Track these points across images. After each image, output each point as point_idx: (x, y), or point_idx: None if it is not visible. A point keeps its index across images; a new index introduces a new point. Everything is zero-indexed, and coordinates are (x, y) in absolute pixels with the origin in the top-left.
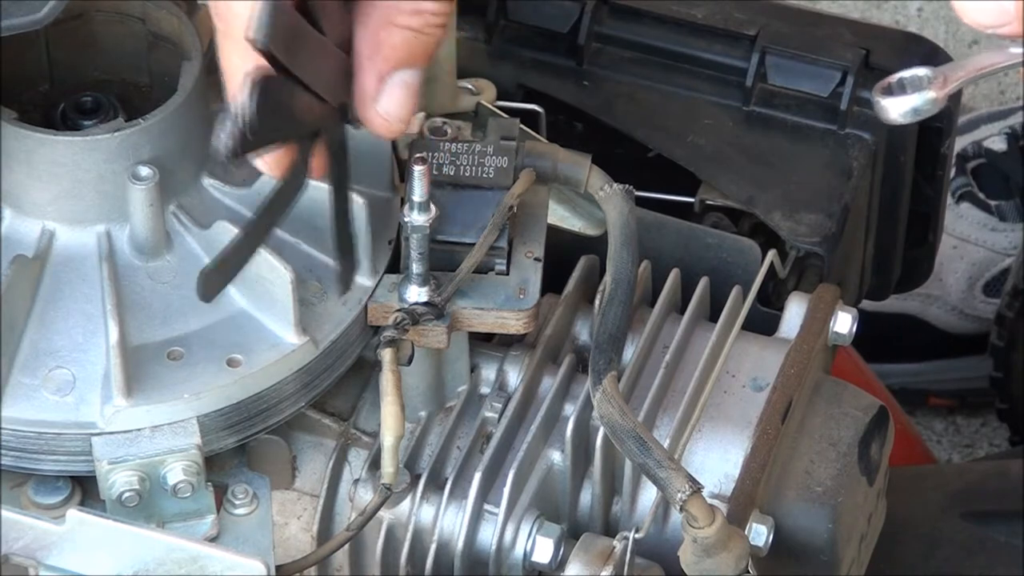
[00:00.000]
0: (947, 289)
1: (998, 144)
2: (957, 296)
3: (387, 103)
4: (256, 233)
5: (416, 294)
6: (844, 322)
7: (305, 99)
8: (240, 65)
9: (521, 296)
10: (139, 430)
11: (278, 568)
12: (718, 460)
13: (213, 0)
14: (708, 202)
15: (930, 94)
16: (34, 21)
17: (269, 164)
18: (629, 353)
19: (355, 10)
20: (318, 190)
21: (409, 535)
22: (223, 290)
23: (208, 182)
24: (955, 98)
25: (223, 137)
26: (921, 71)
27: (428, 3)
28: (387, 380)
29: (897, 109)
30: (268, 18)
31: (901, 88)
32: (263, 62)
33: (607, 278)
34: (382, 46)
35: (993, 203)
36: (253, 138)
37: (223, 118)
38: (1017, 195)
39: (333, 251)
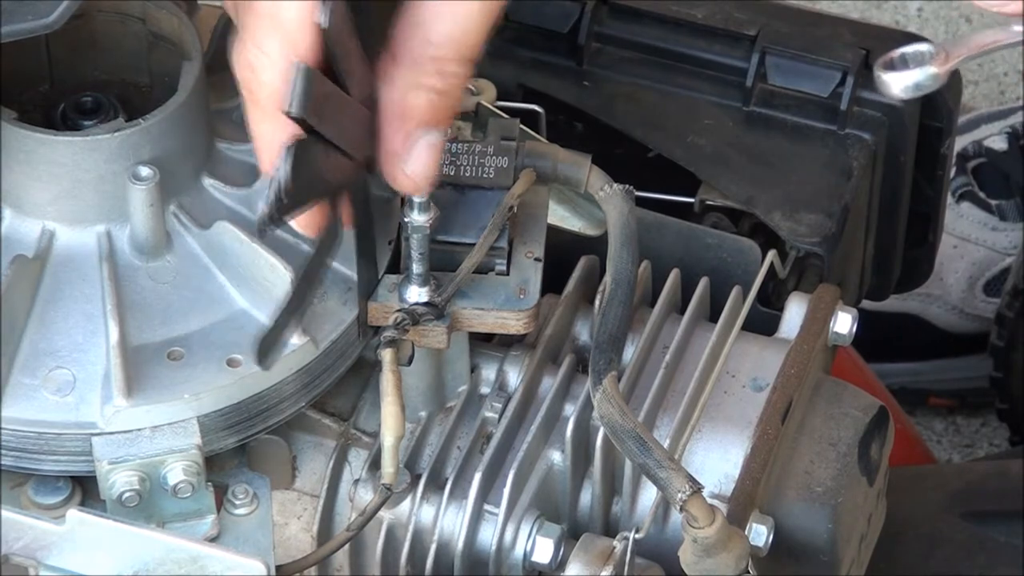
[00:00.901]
0: (947, 289)
1: (998, 143)
2: (957, 295)
3: (414, 164)
4: (301, 295)
5: (416, 294)
6: (844, 322)
7: (334, 158)
8: (272, 133)
9: (521, 296)
10: (139, 430)
11: (278, 568)
12: (718, 460)
13: (237, 62)
14: (708, 202)
15: (932, 69)
16: (44, 25)
17: (305, 224)
18: (629, 353)
19: (379, 69)
20: None
21: (409, 535)
22: (278, 359)
23: (208, 182)
24: (956, 98)
25: (264, 208)
26: (923, 46)
27: (451, 64)
28: (387, 380)
29: (899, 84)
30: (304, 88)
31: (903, 63)
32: (296, 129)
33: (607, 278)
34: (409, 107)
35: (993, 202)
36: (289, 202)
37: (264, 190)
38: (1017, 194)
39: (358, 294)
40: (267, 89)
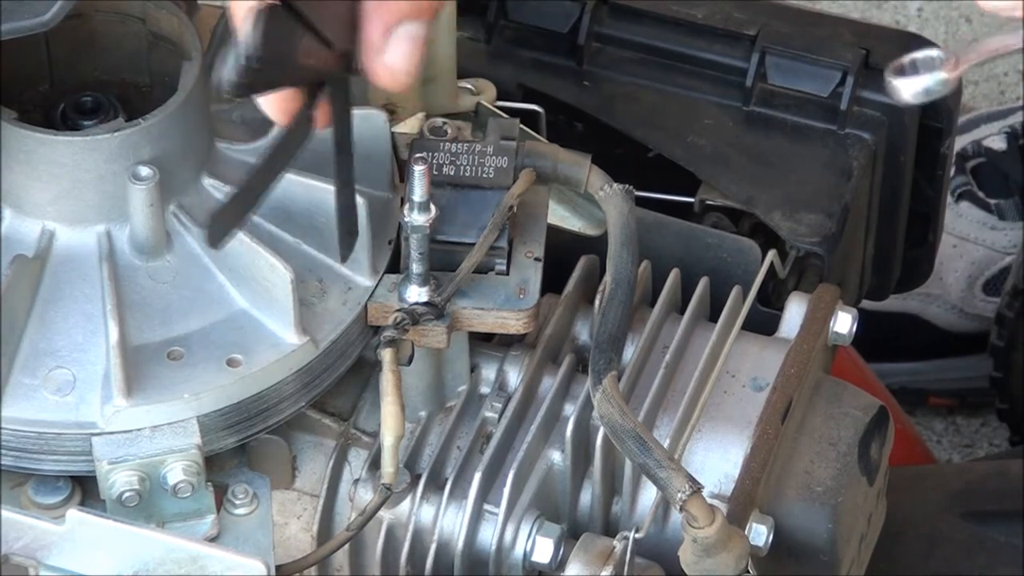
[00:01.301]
0: (947, 288)
1: (998, 143)
2: (957, 295)
3: (392, 55)
4: (261, 179)
5: (416, 294)
6: (844, 322)
7: (310, 41)
8: (247, 2)
9: (521, 296)
10: (139, 430)
11: (278, 568)
12: (718, 460)
13: None
14: (708, 202)
15: (942, 75)
16: (40, 23)
17: (274, 108)
18: (629, 353)
19: None
20: (318, 190)
21: (409, 535)
22: (231, 236)
23: (208, 182)
24: (956, 98)
25: (225, 69)
26: (933, 52)
27: None
28: (387, 380)
29: (910, 89)
30: None
31: (914, 68)
32: None
33: (607, 278)
34: None
35: (993, 202)
36: (256, 74)
37: (226, 52)
38: (1017, 194)
39: (336, 212)
40: None
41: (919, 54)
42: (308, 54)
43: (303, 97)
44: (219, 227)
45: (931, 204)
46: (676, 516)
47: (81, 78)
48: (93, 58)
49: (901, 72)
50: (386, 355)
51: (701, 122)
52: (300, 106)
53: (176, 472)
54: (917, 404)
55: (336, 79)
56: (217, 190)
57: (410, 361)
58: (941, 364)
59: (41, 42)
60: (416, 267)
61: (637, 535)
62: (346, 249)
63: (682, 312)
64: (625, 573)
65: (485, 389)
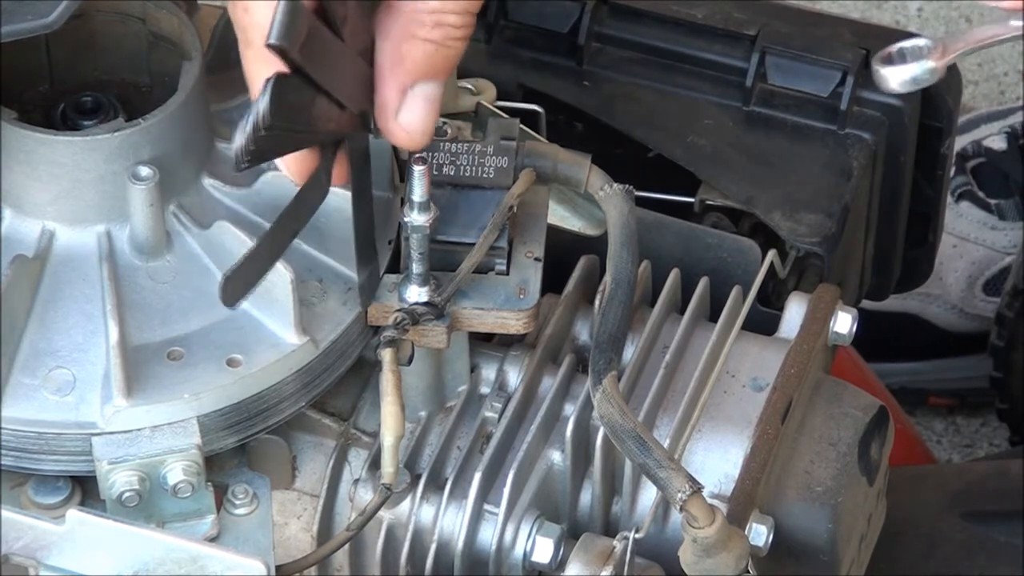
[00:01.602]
0: (947, 288)
1: (998, 143)
2: (957, 295)
3: (408, 116)
4: (277, 239)
5: (416, 294)
6: (844, 322)
7: (324, 105)
8: (261, 71)
9: (521, 296)
10: (139, 430)
11: (278, 568)
12: (718, 460)
13: (233, 5)
14: (708, 202)
15: (929, 63)
16: (44, 25)
17: (290, 168)
18: (629, 353)
19: (376, 19)
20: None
21: (409, 535)
22: (245, 296)
23: (208, 182)
24: (956, 98)
25: (239, 137)
26: (921, 41)
27: (449, 15)
28: (387, 380)
29: (897, 78)
30: (286, 20)
31: (901, 57)
32: (283, 68)
33: (607, 278)
34: (404, 58)
35: (993, 202)
36: (269, 139)
37: (241, 120)
38: (1017, 194)
39: (356, 261)
40: (261, 31)
41: (906, 43)
42: (323, 117)
43: (320, 156)
44: (235, 285)
45: (931, 204)
46: (676, 516)
47: (81, 78)
48: (93, 58)
49: (888, 61)
50: (386, 355)
51: (701, 122)
52: (317, 165)
53: (176, 472)
54: (917, 404)
55: (354, 137)
56: (217, 190)
57: (410, 361)
58: (941, 364)
59: (41, 42)
60: (416, 267)
61: (637, 535)
62: (367, 296)
63: (682, 312)
64: (625, 573)
65: (485, 389)
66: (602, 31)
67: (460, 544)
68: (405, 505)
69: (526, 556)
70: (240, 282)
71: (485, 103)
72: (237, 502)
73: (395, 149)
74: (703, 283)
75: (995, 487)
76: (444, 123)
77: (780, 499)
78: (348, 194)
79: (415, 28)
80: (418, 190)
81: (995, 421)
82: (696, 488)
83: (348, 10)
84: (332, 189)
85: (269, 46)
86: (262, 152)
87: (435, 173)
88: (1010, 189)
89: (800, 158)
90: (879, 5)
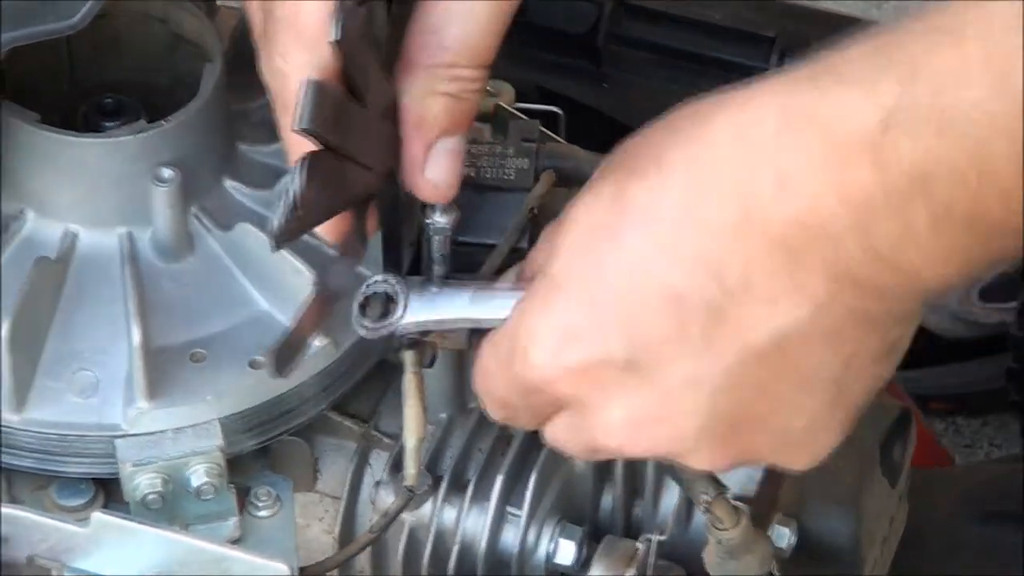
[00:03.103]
0: (944, 295)
1: None
2: (954, 302)
3: (435, 171)
4: (324, 303)
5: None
6: None
7: (354, 171)
8: (298, 142)
9: None
10: (162, 432)
11: (301, 570)
12: None
13: (269, 69)
14: None
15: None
16: (68, 27)
17: (328, 231)
18: None
19: (397, 80)
20: None
21: (431, 537)
22: (293, 367)
23: (230, 184)
24: None
25: (276, 219)
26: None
27: (464, 70)
28: (409, 382)
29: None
30: (312, 102)
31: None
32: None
33: None
34: (425, 116)
35: None
36: (305, 214)
37: (278, 202)
38: None
39: None
40: (293, 95)
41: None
42: (353, 183)
43: (353, 214)
44: (285, 356)
45: None
46: (698, 518)
47: (102, 79)
48: (114, 59)
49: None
50: (408, 357)
51: None
52: (351, 223)
53: (199, 474)
54: (917, 409)
55: (384, 191)
56: (238, 192)
57: (432, 363)
58: (940, 371)
59: (63, 43)
60: (438, 269)
61: (660, 537)
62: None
63: None
64: (648, 575)
65: None
66: (620, 33)
67: (483, 546)
68: (427, 507)
69: (549, 558)
70: (289, 353)
71: (503, 105)
72: (260, 504)
73: None
74: None
75: (1013, 489)
76: None
77: (803, 501)
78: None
79: (434, 84)
80: None
81: (996, 421)
82: (721, 490)
83: (370, 75)
84: None
85: (298, 130)
86: (300, 228)
87: None
88: None
89: None
90: (879, 5)
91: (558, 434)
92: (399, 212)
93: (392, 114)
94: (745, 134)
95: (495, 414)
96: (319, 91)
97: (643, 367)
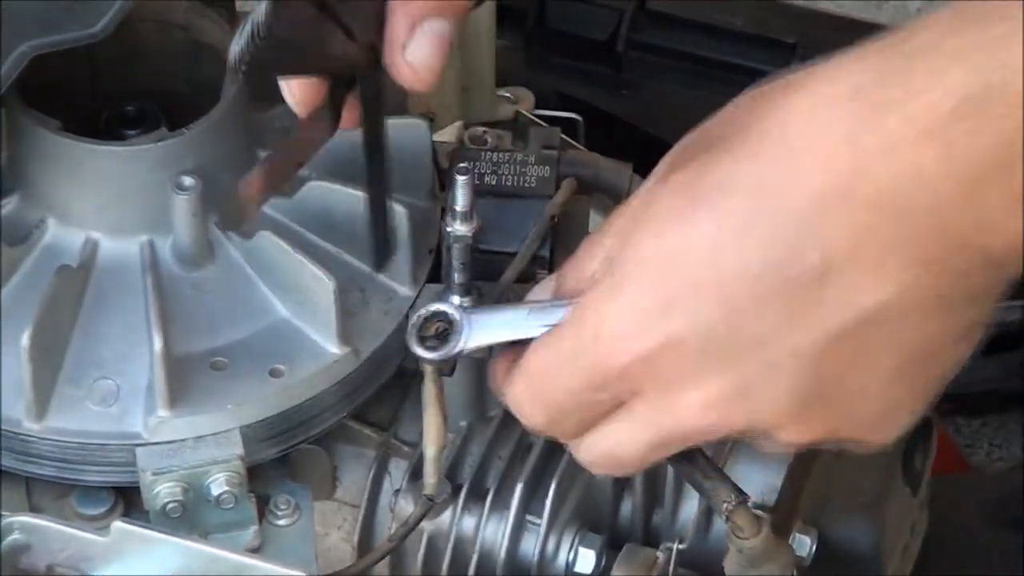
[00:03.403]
0: None
1: None
2: None
3: (416, 51)
4: (279, 165)
5: (458, 304)
6: None
7: (331, 30)
8: None
9: None
10: (182, 440)
11: None
12: (761, 470)
13: None
14: None
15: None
16: (91, 35)
17: (294, 95)
18: None
19: None
20: (360, 200)
21: (451, 546)
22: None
23: None
24: None
25: (237, 42)
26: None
27: None
28: (429, 390)
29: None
30: None
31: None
32: None
33: None
34: None
35: None
36: (270, 51)
37: (242, 27)
38: None
39: (369, 221)
40: None
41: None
42: (330, 42)
43: (329, 92)
44: (234, 208)
45: None
46: (719, 526)
47: (123, 87)
48: (135, 67)
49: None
50: (428, 365)
51: None
52: (324, 100)
53: (219, 483)
54: None
55: (366, 78)
56: None
57: (452, 372)
58: None
59: (83, 51)
60: (458, 277)
61: (680, 545)
62: (380, 257)
63: None
64: None
65: None
66: (640, 39)
67: (502, 555)
68: (447, 515)
69: (568, 567)
70: (238, 205)
71: (524, 111)
72: (279, 513)
73: (435, 160)
74: None
75: None
76: (485, 132)
77: (824, 509)
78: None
79: None
80: (461, 200)
81: (996, 421)
82: (742, 498)
83: None
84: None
85: None
86: (262, 63)
87: (477, 182)
88: None
89: None
90: (879, 5)
91: (620, 432)
92: (382, 117)
93: None
94: (817, 117)
95: (538, 421)
96: None
97: (730, 341)
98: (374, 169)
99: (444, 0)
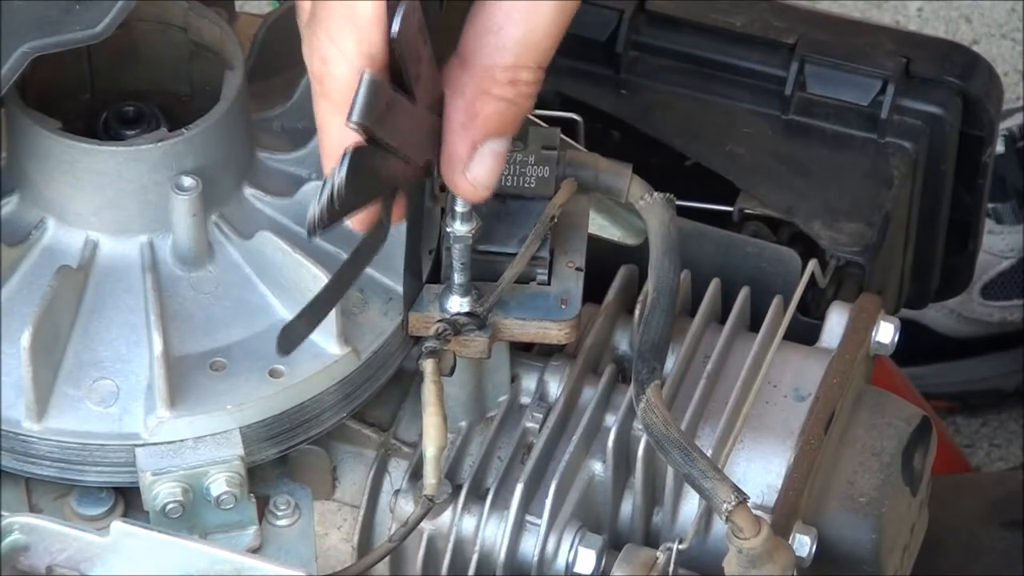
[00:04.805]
0: None
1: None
2: (955, 300)
3: (477, 171)
4: (338, 287)
5: (458, 304)
6: (886, 332)
7: (392, 162)
8: (338, 128)
9: (563, 306)
10: (182, 441)
11: None
12: (760, 471)
13: (309, 55)
14: (747, 211)
15: None
16: (92, 36)
17: (355, 221)
18: (670, 364)
19: (447, 73)
20: None
21: (450, 546)
22: (299, 344)
23: (250, 192)
24: (997, 106)
25: (315, 208)
26: None
27: (523, 72)
28: (429, 391)
29: None
30: (369, 99)
31: None
32: (358, 136)
33: (649, 287)
34: (476, 115)
35: (990, 206)
36: (341, 207)
37: (318, 192)
38: (1014, 197)
39: (404, 284)
40: (338, 83)
41: None
42: (392, 174)
43: (380, 206)
44: (293, 333)
45: (970, 212)
46: (719, 527)
47: (122, 87)
48: (134, 67)
49: None
50: (428, 366)
51: (740, 131)
52: (379, 213)
53: (219, 483)
54: None
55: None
56: (259, 200)
57: (452, 372)
58: (940, 368)
59: (83, 52)
60: (458, 277)
61: (680, 546)
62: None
63: (721, 322)
64: None
65: (526, 399)
66: (640, 39)
67: (502, 555)
68: (446, 516)
69: (568, 567)
70: (297, 332)
71: None
72: (279, 513)
73: None
74: (744, 293)
75: None
76: None
77: (823, 510)
78: None
79: (490, 85)
80: (461, 200)
81: (995, 421)
82: (742, 498)
83: (422, 69)
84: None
85: (352, 125)
86: (335, 219)
87: None
88: (1007, 193)
89: (840, 167)
90: (879, 5)
91: None
92: (423, 201)
93: (438, 108)
94: None
95: None
96: (376, 87)
97: None
98: (412, 254)
99: (503, 120)
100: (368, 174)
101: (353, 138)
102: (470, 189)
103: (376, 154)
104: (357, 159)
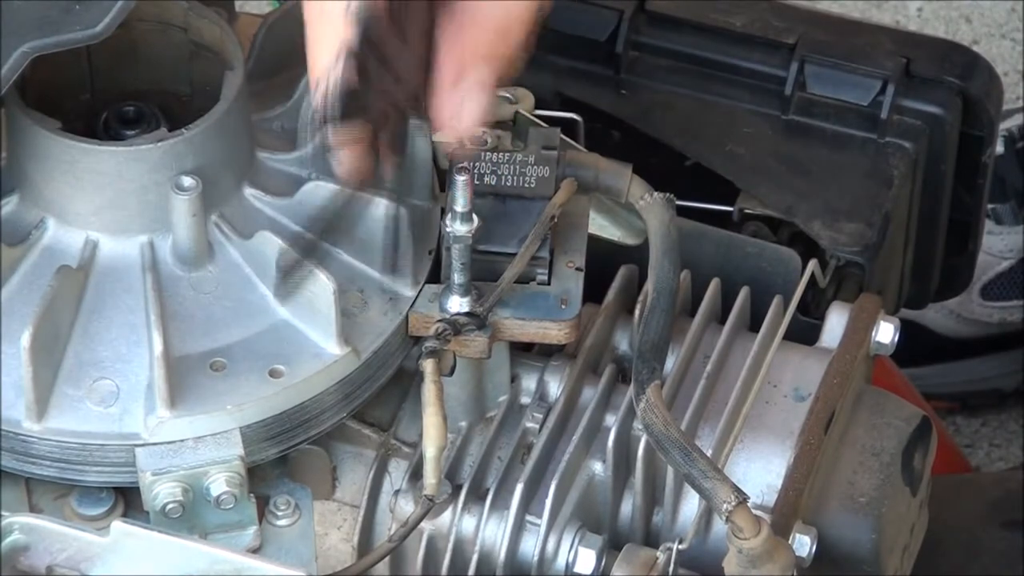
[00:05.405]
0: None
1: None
2: (955, 300)
3: (460, 97)
4: (335, 219)
5: (458, 304)
6: (886, 332)
7: (386, 84)
8: (330, 34)
9: (563, 306)
10: (182, 441)
11: None
12: (760, 471)
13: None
14: (747, 211)
15: None
16: (92, 35)
17: (346, 168)
18: (670, 364)
19: (439, 8)
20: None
21: (450, 546)
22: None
23: (249, 192)
24: (997, 106)
25: (320, 100)
26: None
27: (515, 4)
28: (429, 391)
29: None
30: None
31: None
32: (350, 36)
33: (648, 287)
34: (465, 41)
35: (989, 206)
36: (344, 110)
37: (312, 91)
38: (1013, 198)
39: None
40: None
41: None
42: (383, 92)
43: (368, 146)
44: (291, 266)
45: (970, 212)
46: (719, 527)
47: (122, 87)
48: (134, 67)
49: None
50: (428, 366)
51: (740, 131)
52: (368, 159)
53: (219, 483)
54: None
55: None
56: (258, 200)
57: (452, 372)
58: (940, 369)
59: (83, 52)
60: (458, 277)
61: (680, 546)
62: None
63: (721, 322)
64: None
65: (526, 399)
66: (640, 39)
67: (502, 555)
68: (446, 516)
69: (568, 567)
70: (295, 262)
71: (523, 112)
72: (279, 513)
73: (435, 160)
74: (744, 293)
75: None
76: (484, 132)
77: (823, 510)
78: (388, 203)
79: (480, 15)
80: (461, 200)
81: (995, 421)
82: (742, 498)
83: (413, 3)
84: (373, 200)
85: (350, 14)
86: (339, 120)
87: (476, 183)
88: (1007, 193)
89: (840, 167)
90: (879, 5)
91: None
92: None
93: (427, 43)
94: None
95: None
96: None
97: None
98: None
99: (492, 47)
100: (365, 85)
101: (345, 40)
102: (451, 117)
103: (369, 62)
104: (358, 57)
